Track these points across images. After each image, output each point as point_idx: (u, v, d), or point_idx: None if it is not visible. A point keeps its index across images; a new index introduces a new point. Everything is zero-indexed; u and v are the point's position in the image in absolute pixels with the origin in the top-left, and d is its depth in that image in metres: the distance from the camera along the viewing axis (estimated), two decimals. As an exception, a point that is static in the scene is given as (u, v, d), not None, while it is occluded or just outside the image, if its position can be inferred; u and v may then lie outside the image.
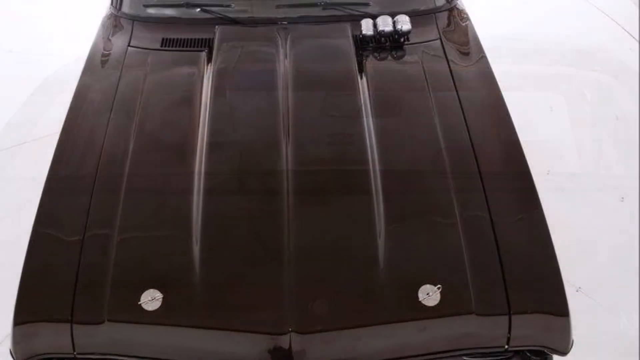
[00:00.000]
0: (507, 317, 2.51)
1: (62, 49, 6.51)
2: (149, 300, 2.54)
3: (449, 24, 4.04)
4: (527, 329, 2.54)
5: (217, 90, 3.45)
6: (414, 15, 3.87)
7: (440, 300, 2.52)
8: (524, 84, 5.75)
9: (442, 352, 2.56)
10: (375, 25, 3.78)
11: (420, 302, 2.52)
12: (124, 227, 2.81)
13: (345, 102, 3.38)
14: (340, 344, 2.52)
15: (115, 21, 4.13)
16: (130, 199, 2.93)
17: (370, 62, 3.72)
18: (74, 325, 2.53)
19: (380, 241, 2.72)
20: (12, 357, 2.59)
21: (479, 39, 3.92)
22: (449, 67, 3.63)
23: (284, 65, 3.62)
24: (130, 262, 2.71)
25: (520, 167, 3.05)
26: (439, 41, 3.85)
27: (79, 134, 3.31)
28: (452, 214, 2.82)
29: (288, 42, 3.78)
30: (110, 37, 4.02)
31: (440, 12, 4.09)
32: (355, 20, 3.88)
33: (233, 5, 4.06)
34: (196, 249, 2.71)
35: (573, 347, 2.59)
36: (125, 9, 4.14)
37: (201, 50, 3.78)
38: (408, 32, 3.79)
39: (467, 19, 4.13)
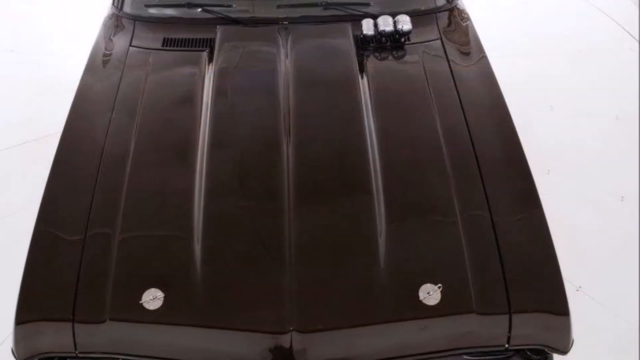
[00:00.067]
0: (507, 316, 2.52)
1: (63, 49, 6.52)
2: (151, 300, 2.55)
3: (449, 24, 4.04)
4: (527, 328, 2.55)
5: (218, 90, 3.45)
6: (414, 15, 3.88)
7: (441, 300, 2.53)
8: (524, 83, 5.75)
9: (442, 351, 2.57)
10: (376, 25, 3.79)
11: (420, 301, 2.53)
12: (125, 226, 2.82)
13: (346, 102, 3.39)
14: (341, 343, 2.53)
15: (117, 21, 4.14)
16: (132, 199, 2.94)
17: (371, 62, 3.72)
18: (76, 324, 2.54)
19: (381, 240, 2.73)
20: (14, 356, 2.60)
21: (480, 39, 3.92)
22: (450, 66, 3.63)
23: (285, 65, 3.62)
24: (131, 262, 2.72)
25: (521, 167, 3.06)
26: (439, 41, 3.85)
27: (81, 134, 3.33)
28: (453, 214, 2.83)
29: (289, 42, 3.78)
30: (111, 37, 4.02)
31: (440, 12, 4.10)
32: (356, 20, 3.88)
33: (234, 5, 4.07)
34: (197, 248, 2.72)
35: (573, 346, 2.60)
36: (127, 8, 4.15)
37: (202, 50, 3.79)
38: (409, 32, 3.80)
39: (468, 18, 4.14)
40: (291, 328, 2.45)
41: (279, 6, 4.05)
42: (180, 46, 3.84)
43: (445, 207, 2.86)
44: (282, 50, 3.73)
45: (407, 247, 2.74)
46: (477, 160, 3.07)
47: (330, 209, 2.88)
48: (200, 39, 3.87)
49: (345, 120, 3.29)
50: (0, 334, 3.79)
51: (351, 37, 3.80)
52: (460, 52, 3.80)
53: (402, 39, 3.83)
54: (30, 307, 2.61)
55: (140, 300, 2.55)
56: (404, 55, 3.79)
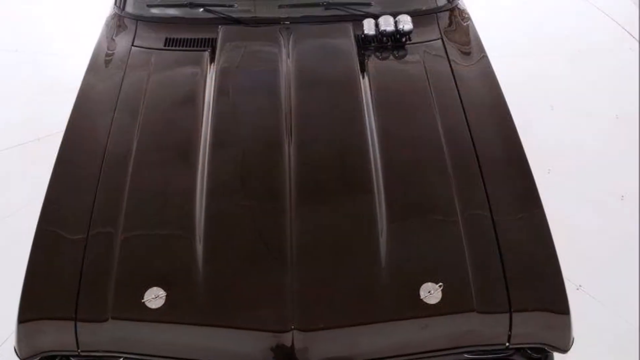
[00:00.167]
0: (508, 314, 2.53)
1: (64, 49, 6.53)
2: (153, 298, 2.56)
3: (450, 24, 4.05)
4: (528, 327, 2.56)
5: (220, 90, 3.45)
6: (415, 15, 3.88)
7: (442, 298, 2.54)
8: (525, 83, 5.75)
9: (443, 349, 2.58)
10: (377, 25, 3.80)
11: (421, 300, 2.54)
12: (127, 225, 2.83)
13: (348, 102, 3.39)
14: (342, 342, 2.54)
15: (119, 21, 4.14)
16: (134, 198, 2.95)
17: (372, 62, 3.72)
18: (78, 323, 2.55)
19: (382, 240, 2.74)
20: (17, 354, 2.61)
21: (480, 39, 3.93)
22: (451, 66, 3.64)
23: (286, 65, 3.63)
24: (133, 261, 2.73)
25: (521, 166, 3.07)
26: (440, 41, 3.86)
27: (83, 133, 3.33)
28: (454, 213, 2.83)
29: (290, 42, 3.79)
30: (114, 37, 4.02)
31: (441, 11, 4.10)
32: (357, 20, 3.89)
33: (236, 5, 4.08)
34: (199, 247, 2.73)
35: (573, 344, 2.61)
36: (129, 8, 4.15)
37: (204, 50, 3.79)
38: (410, 32, 3.80)
39: (468, 18, 4.14)
40: (293, 327, 2.46)
41: (280, 6, 4.06)
42: (182, 46, 3.85)
43: (446, 206, 2.87)
44: (284, 50, 3.73)
45: (408, 246, 2.74)
46: (477, 159, 3.07)
47: (331, 209, 2.88)
48: (202, 38, 3.87)
49: (346, 120, 3.29)
50: (2, 333, 3.79)
51: (352, 37, 3.80)
52: (461, 51, 3.81)
53: (403, 39, 3.84)
54: (33, 306, 2.61)
55: (143, 299, 2.56)
56: (405, 55, 3.79)
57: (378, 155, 3.09)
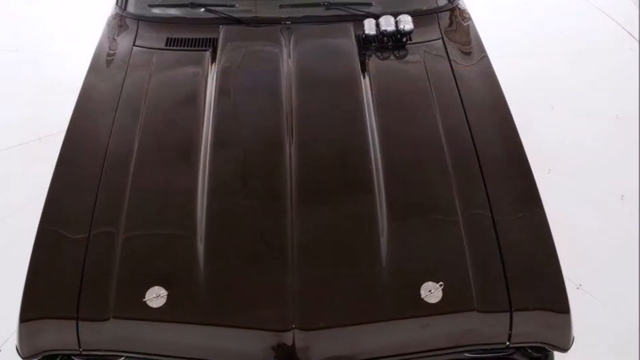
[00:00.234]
0: (508, 314, 2.54)
1: (65, 49, 6.53)
2: (154, 298, 2.57)
3: (450, 24, 4.05)
4: (528, 326, 2.56)
5: (221, 90, 3.46)
6: (416, 15, 3.89)
7: (442, 298, 2.55)
8: (525, 83, 5.76)
9: (444, 348, 2.59)
10: (377, 25, 3.80)
11: (422, 299, 2.55)
12: (129, 225, 2.84)
13: (348, 102, 3.40)
14: (343, 341, 2.55)
15: (121, 21, 4.15)
16: (135, 198, 2.95)
17: (373, 62, 3.73)
18: (80, 322, 2.56)
19: (383, 239, 2.74)
20: (18, 353, 2.62)
21: (481, 39, 3.93)
22: (451, 66, 3.64)
23: (287, 64, 3.63)
24: (135, 260, 2.73)
25: (522, 166, 3.07)
26: (441, 41, 3.86)
27: (85, 133, 3.34)
28: (454, 212, 2.84)
29: (291, 42, 3.79)
30: (115, 37, 4.03)
31: (442, 11, 4.10)
32: (358, 20, 3.89)
33: (237, 5, 4.08)
34: (200, 247, 2.74)
35: (573, 343, 2.62)
36: (131, 8, 4.16)
37: (205, 50, 3.80)
38: (410, 32, 3.81)
39: (469, 18, 4.15)
40: (293, 326, 2.46)
41: (281, 6, 4.06)
42: (184, 46, 3.85)
43: (446, 206, 2.87)
44: (285, 50, 3.74)
45: (409, 245, 2.75)
46: (478, 159, 3.08)
47: (332, 208, 2.89)
48: (203, 38, 3.88)
49: (347, 120, 3.30)
50: (3, 332, 3.80)
51: (353, 37, 3.81)
52: (462, 51, 3.81)
53: (404, 39, 3.84)
54: (35, 305, 2.62)
55: (144, 298, 2.56)
56: (405, 55, 3.79)
57: (379, 155, 3.09)
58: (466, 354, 2.65)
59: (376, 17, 3.86)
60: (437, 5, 4.13)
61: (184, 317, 2.56)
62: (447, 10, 4.14)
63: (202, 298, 2.59)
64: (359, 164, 3.05)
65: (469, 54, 3.82)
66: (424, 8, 4.09)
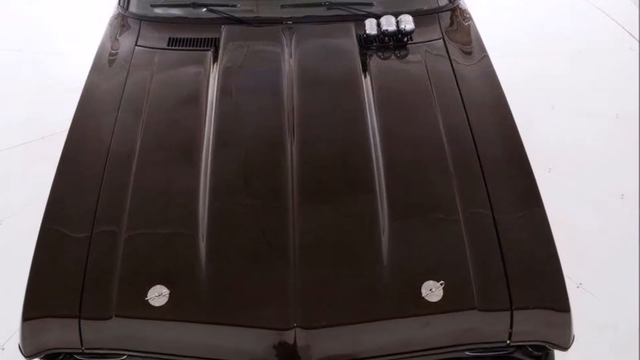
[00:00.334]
0: (509, 312, 2.55)
1: (67, 49, 6.54)
2: (156, 296, 2.58)
3: (451, 24, 4.05)
4: (528, 325, 2.57)
5: (223, 90, 3.47)
6: (417, 15, 3.89)
7: (443, 296, 2.55)
8: (525, 83, 5.77)
9: (444, 347, 2.60)
10: (379, 25, 3.81)
11: (423, 298, 2.55)
12: (131, 224, 2.85)
13: (350, 101, 3.40)
14: (344, 340, 2.56)
15: (123, 21, 4.15)
16: (138, 197, 2.96)
17: (374, 62, 3.73)
18: (82, 321, 2.57)
19: (384, 238, 2.75)
20: (21, 352, 2.62)
21: (481, 39, 3.93)
22: (452, 66, 3.65)
23: (289, 64, 3.64)
24: (137, 259, 2.74)
25: (522, 165, 3.08)
26: (441, 40, 3.86)
27: (87, 132, 3.34)
28: (455, 212, 2.85)
29: (293, 42, 3.80)
30: (117, 37, 4.04)
31: (443, 11, 4.11)
32: (359, 20, 3.90)
33: (239, 5, 4.09)
34: (202, 246, 2.74)
35: (574, 342, 2.63)
36: (133, 8, 4.17)
37: (207, 50, 3.80)
38: (411, 32, 3.82)
39: (470, 18, 4.15)
40: (295, 325, 2.47)
41: (283, 6, 4.07)
42: (186, 46, 3.86)
43: (447, 205, 2.88)
44: (286, 50, 3.74)
45: (410, 244, 2.75)
46: (479, 158, 3.09)
47: (333, 208, 2.89)
48: (205, 38, 3.88)
49: (348, 120, 3.30)
50: (5, 331, 3.81)
51: (354, 37, 3.81)
52: (462, 51, 3.82)
53: (405, 39, 3.85)
54: (37, 304, 2.63)
55: (146, 297, 2.57)
56: (406, 55, 3.80)
57: (380, 155, 3.10)
58: (467, 353, 2.65)
59: (377, 17, 3.87)
60: (438, 5, 4.13)
61: (186, 315, 2.56)
62: (448, 10, 4.14)
63: (204, 297, 2.59)
64: (360, 164, 3.06)
65: (469, 53, 3.82)
66: (425, 8, 4.10)
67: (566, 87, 5.89)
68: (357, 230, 2.80)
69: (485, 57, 3.77)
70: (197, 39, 3.89)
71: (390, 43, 3.84)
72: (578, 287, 4.02)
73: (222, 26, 3.94)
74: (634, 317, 3.89)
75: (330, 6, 4.02)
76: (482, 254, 2.70)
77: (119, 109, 3.41)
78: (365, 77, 3.58)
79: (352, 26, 3.89)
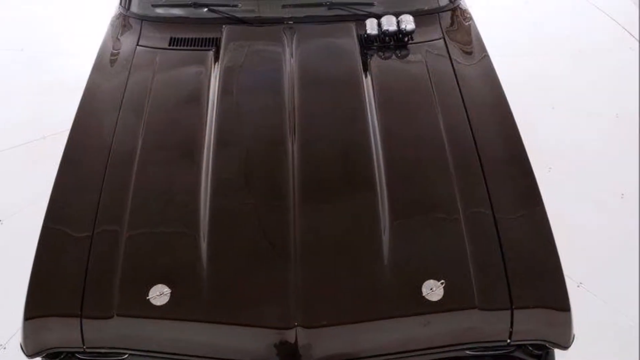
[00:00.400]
0: (509, 311, 2.55)
1: (71, 48, 6.55)
2: (158, 295, 2.58)
3: (452, 24, 4.06)
4: (529, 324, 2.58)
5: (224, 89, 3.47)
6: (417, 15, 3.90)
7: (444, 295, 2.56)
8: (526, 83, 5.77)
9: (445, 346, 2.60)
10: (379, 25, 3.82)
11: (424, 297, 2.56)
12: (132, 223, 2.85)
13: (350, 101, 3.41)
14: (345, 338, 2.56)
15: (124, 21, 4.16)
16: (139, 196, 2.97)
17: (375, 61, 3.74)
18: (84, 320, 2.57)
19: (385, 237, 2.76)
20: (23, 351, 2.63)
21: (482, 38, 3.94)
22: (452, 66, 3.65)
23: (290, 64, 3.64)
24: (138, 258, 2.74)
25: (522, 165, 3.08)
26: (442, 40, 3.87)
27: (89, 132, 3.35)
28: (456, 211, 2.85)
29: (294, 42, 3.81)
30: (119, 37, 4.05)
31: (443, 11, 4.12)
32: (360, 19, 3.91)
33: (240, 5, 4.10)
34: (203, 245, 2.75)
35: (574, 341, 2.63)
36: (134, 8, 4.17)
37: (208, 50, 3.81)
38: (412, 32, 3.83)
39: (470, 18, 4.16)
40: (296, 323, 2.48)
41: (284, 6, 4.08)
42: (187, 45, 3.86)
43: (448, 204, 2.89)
44: (287, 50, 3.75)
45: (411, 244, 2.76)
46: (479, 158, 3.09)
47: (334, 207, 2.90)
48: (206, 38, 3.89)
49: (349, 119, 3.31)
50: (8, 330, 3.82)
51: (355, 37, 3.82)
52: (463, 51, 3.82)
53: (406, 39, 3.85)
54: (39, 303, 2.63)
55: (148, 296, 2.58)
56: (407, 55, 3.80)
57: (381, 154, 3.10)
58: (467, 352, 2.65)
59: (378, 17, 3.87)
60: (439, 5, 4.14)
61: (187, 314, 2.57)
62: (449, 10, 4.15)
63: (205, 296, 2.60)
64: (361, 163, 3.06)
65: (470, 53, 3.83)
66: (426, 8, 4.10)
67: (566, 86, 5.89)
68: (358, 229, 2.80)
69: (485, 57, 3.78)
70: (199, 38, 3.90)
71: (391, 43, 3.84)
72: (578, 286, 4.02)
73: (223, 26, 3.94)
74: (634, 316, 3.89)
75: (331, 6, 4.03)
76: (482, 253, 2.70)
77: (120, 108, 3.42)
78: (366, 76, 3.58)
79: (353, 26, 3.90)
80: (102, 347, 2.61)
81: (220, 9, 4.02)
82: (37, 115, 5.61)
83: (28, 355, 2.63)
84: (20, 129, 5.46)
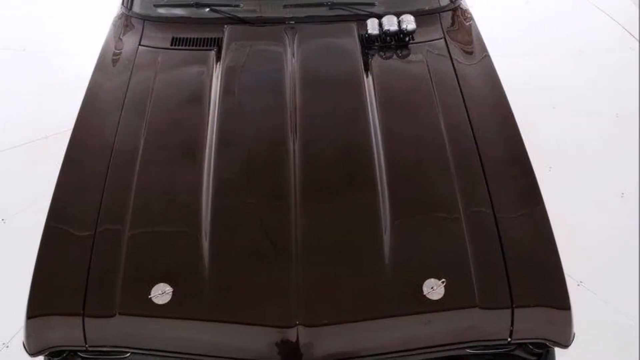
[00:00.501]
0: (509, 310, 2.56)
1: (72, 48, 6.55)
2: (159, 294, 2.59)
3: (452, 24, 4.07)
4: (529, 322, 2.59)
5: (226, 89, 3.48)
6: (418, 15, 3.91)
7: (445, 294, 2.57)
8: (526, 83, 5.78)
9: (446, 344, 2.61)
10: (380, 25, 3.83)
11: (424, 295, 2.57)
12: (134, 222, 2.86)
13: (352, 101, 3.41)
14: (346, 337, 2.57)
15: (126, 21, 4.17)
16: (141, 196, 2.97)
17: (376, 61, 3.75)
18: (86, 319, 2.58)
19: (386, 237, 2.76)
20: (25, 349, 2.64)
21: (482, 38, 3.95)
22: (453, 65, 3.66)
23: (291, 64, 3.65)
24: (140, 257, 2.75)
25: (523, 164, 3.09)
26: (443, 40, 3.87)
27: (91, 132, 3.35)
28: (456, 210, 2.86)
29: (295, 42, 3.81)
30: (121, 37, 4.05)
31: (444, 11, 4.12)
32: (361, 19, 3.92)
33: (241, 5, 4.10)
34: (205, 244, 2.76)
35: (574, 340, 2.64)
36: (136, 8, 4.18)
37: (210, 50, 3.82)
38: (413, 32, 3.83)
39: (471, 18, 4.16)
40: (297, 322, 2.49)
41: (285, 6, 4.08)
42: (189, 45, 3.87)
43: (448, 203, 2.89)
44: (289, 50, 3.75)
45: (412, 243, 2.77)
46: (480, 157, 3.10)
47: (335, 206, 2.90)
48: (208, 38, 3.90)
49: (350, 119, 3.31)
50: (10, 329, 3.83)
51: (356, 37, 3.82)
52: (464, 51, 3.83)
53: (407, 39, 3.86)
54: (41, 302, 2.64)
55: (150, 295, 2.59)
56: (408, 55, 3.81)
57: (382, 154, 3.11)
58: (468, 350, 2.66)
59: (379, 17, 3.88)
60: (440, 5, 4.15)
61: (189, 313, 2.58)
62: (449, 10, 4.16)
63: (206, 295, 2.61)
64: (362, 162, 3.07)
65: (471, 53, 3.84)
66: (427, 8, 4.11)
67: (567, 86, 5.90)
68: (359, 228, 2.81)
69: (486, 56, 3.78)
70: (200, 38, 3.91)
71: (392, 43, 3.85)
72: (578, 285, 4.03)
73: (225, 26, 3.95)
74: (634, 315, 3.90)
75: (332, 6, 4.04)
76: (483, 252, 2.71)
77: (122, 108, 3.43)
78: (367, 76, 3.59)
79: (354, 26, 3.91)
80: (104, 346, 2.62)
81: (222, 9, 4.03)
82: (39, 115, 5.61)
83: (30, 354, 2.63)
84: (23, 129, 5.46)
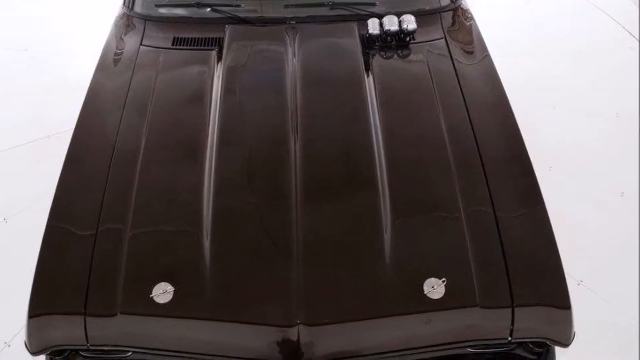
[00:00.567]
0: (510, 309, 2.57)
1: (74, 48, 6.55)
2: (161, 293, 2.60)
3: (453, 24, 4.07)
4: (529, 322, 2.59)
5: (227, 89, 3.48)
6: (419, 15, 3.92)
7: (445, 293, 2.57)
8: (526, 83, 5.78)
9: (446, 343, 2.61)
10: (381, 25, 3.83)
11: (425, 295, 2.57)
12: (136, 222, 2.86)
13: (352, 101, 3.42)
14: (347, 336, 2.57)
15: (128, 20, 4.17)
16: (142, 195, 2.98)
17: (377, 61, 3.75)
18: (87, 318, 2.59)
19: (387, 236, 2.77)
20: (27, 349, 2.64)
21: (483, 38, 3.95)
22: (454, 65, 3.66)
23: (292, 64, 3.65)
24: (142, 256, 2.76)
25: (523, 164, 3.10)
26: (443, 40, 3.88)
27: (92, 131, 3.36)
28: (457, 210, 2.86)
29: (296, 41, 3.82)
30: (122, 36, 4.05)
31: (445, 11, 4.12)
32: (362, 19, 3.92)
33: (243, 5, 4.11)
34: (206, 243, 2.76)
35: (574, 339, 2.65)
36: (138, 8, 4.18)
37: (211, 49, 3.82)
38: (413, 32, 3.83)
39: (471, 18, 4.17)
40: (298, 321, 2.49)
41: (286, 6, 4.08)
42: (190, 45, 3.87)
43: (449, 203, 2.90)
44: (290, 50, 3.76)
45: (412, 242, 2.77)
46: (480, 157, 3.10)
47: (336, 206, 2.91)
48: (209, 38, 3.90)
49: (351, 119, 3.32)
50: (12, 328, 3.83)
51: (357, 37, 3.82)
52: (464, 51, 3.83)
53: (407, 38, 3.86)
54: (43, 301, 2.65)
55: (151, 294, 2.59)
56: (408, 54, 3.81)
57: (382, 153, 3.11)
58: (468, 349, 2.67)
59: (380, 16, 3.88)
60: (440, 5, 4.15)
61: (191, 312, 2.58)
62: (450, 10, 4.16)
63: (208, 294, 2.61)
64: (363, 162, 3.07)
65: (471, 53, 3.84)
66: (427, 8, 4.11)
67: (567, 86, 5.90)
68: (360, 228, 2.81)
69: (486, 56, 3.79)
70: (202, 38, 3.91)
71: (393, 43, 3.85)
72: (579, 284, 4.03)
73: (226, 26, 3.96)
74: (634, 314, 3.91)
75: (333, 6, 4.04)
76: (483, 251, 2.71)
77: (124, 108, 3.43)
78: (368, 76, 3.60)
79: (354, 26, 3.91)
80: (106, 345, 2.62)
81: (223, 9, 4.03)
82: (41, 115, 5.62)
83: (32, 353, 2.64)
84: (25, 128, 5.47)
